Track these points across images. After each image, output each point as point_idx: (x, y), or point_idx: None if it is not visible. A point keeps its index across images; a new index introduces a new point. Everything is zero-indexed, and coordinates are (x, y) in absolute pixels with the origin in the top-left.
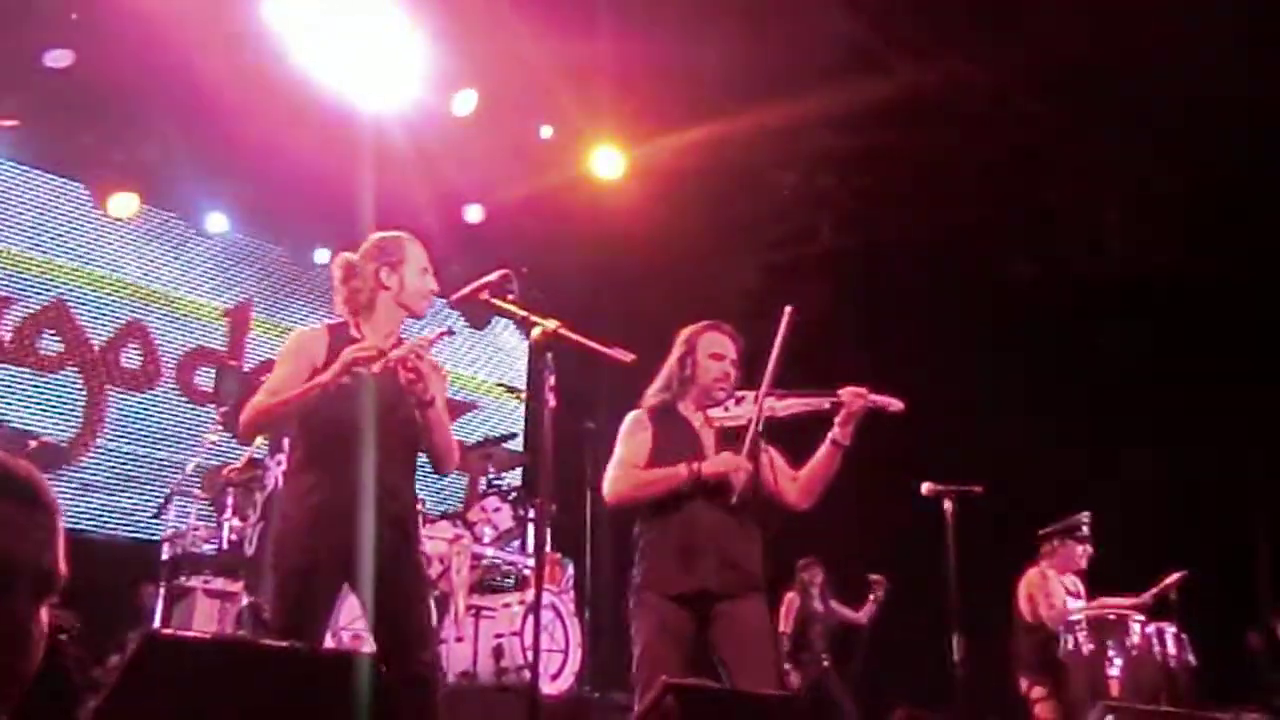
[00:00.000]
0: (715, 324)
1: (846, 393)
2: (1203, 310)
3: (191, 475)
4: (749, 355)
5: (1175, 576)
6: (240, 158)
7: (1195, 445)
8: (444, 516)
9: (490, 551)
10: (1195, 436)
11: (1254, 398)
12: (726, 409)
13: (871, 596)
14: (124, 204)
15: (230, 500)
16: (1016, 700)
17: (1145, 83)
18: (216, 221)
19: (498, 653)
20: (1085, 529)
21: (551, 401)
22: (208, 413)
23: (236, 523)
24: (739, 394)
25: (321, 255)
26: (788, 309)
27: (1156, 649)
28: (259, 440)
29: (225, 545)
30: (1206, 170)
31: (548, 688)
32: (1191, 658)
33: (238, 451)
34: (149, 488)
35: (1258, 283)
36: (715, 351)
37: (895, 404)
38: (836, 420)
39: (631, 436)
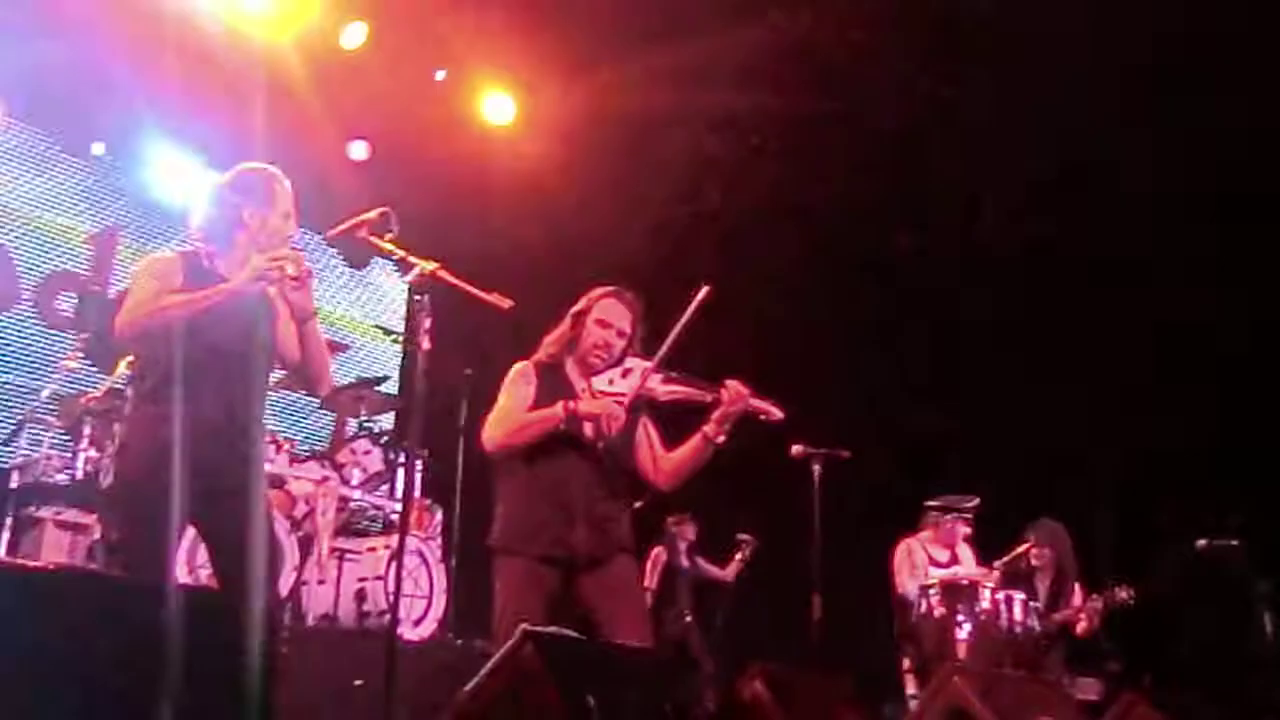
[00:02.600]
0: (618, 291)
1: (728, 391)
2: (1070, 280)
3: (47, 402)
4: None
5: (1025, 545)
6: (117, 78)
7: (1053, 412)
8: (312, 456)
9: (358, 494)
10: (1054, 404)
11: (1115, 366)
12: (612, 381)
13: (738, 555)
14: None
15: (88, 430)
16: (874, 660)
17: (1025, 57)
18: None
19: (360, 596)
20: (970, 513)
21: (427, 344)
22: (67, 339)
23: (93, 453)
24: (627, 365)
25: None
26: (704, 288)
27: (1004, 615)
28: (120, 368)
29: (80, 476)
30: (1081, 145)
31: (410, 633)
32: (1036, 624)
33: (97, 380)
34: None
35: (1129, 256)
36: (603, 318)
37: (775, 412)
38: (713, 416)
39: (515, 387)
